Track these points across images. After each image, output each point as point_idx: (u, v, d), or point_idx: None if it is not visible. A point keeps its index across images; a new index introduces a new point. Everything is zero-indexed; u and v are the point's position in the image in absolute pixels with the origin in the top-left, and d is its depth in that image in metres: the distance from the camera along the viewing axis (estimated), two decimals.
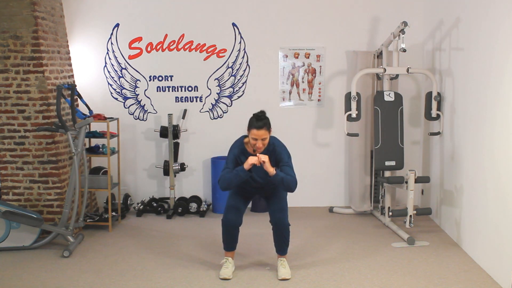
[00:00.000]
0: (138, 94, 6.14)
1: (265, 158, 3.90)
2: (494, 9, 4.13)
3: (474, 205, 4.51)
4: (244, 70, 6.09)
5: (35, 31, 4.88)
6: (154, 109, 6.16)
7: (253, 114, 4.00)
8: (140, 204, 6.02)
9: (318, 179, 6.24)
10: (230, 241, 4.23)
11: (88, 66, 6.09)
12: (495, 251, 4.08)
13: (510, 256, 3.81)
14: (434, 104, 5.34)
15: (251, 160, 3.92)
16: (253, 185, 4.20)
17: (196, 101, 6.15)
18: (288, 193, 4.26)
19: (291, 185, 3.99)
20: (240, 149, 4.10)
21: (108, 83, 6.13)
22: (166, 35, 6.05)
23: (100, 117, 5.37)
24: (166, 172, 5.97)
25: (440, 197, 5.40)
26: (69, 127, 4.78)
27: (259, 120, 3.92)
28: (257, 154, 3.93)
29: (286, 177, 3.95)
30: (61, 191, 5.07)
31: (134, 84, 6.13)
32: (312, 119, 6.17)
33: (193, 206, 5.93)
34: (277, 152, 4.07)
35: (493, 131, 4.13)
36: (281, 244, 4.22)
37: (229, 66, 6.10)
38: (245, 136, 4.14)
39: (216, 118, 6.18)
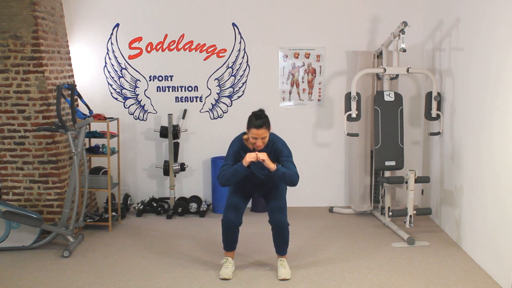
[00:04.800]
0: (138, 94, 6.14)
1: (263, 156, 3.89)
2: (494, 9, 4.13)
3: (474, 205, 4.51)
4: (244, 70, 6.09)
5: (35, 31, 4.88)
6: (154, 109, 6.16)
7: (252, 113, 3.99)
8: (140, 204, 6.02)
9: (318, 179, 6.24)
10: (230, 241, 4.23)
11: (88, 66, 6.09)
12: (495, 251, 4.08)
13: (510, 256, 3.81)
14: (434, 104, 5.34)
15: (249, 157, 3.90)
16: (254, 181, 4.19)
17: (196, 101, 6.15)
18: (288, 193, 4.27)
19: (293, 179, 3.97)
20: (240, 145, 4.10)
21: (108, 83, 6.13)
22: (166, 35, 6.05)
23: (100, 117, 5.37)
24: (166, 172, 5.97)
25: (440, 197, 5.40)
26: (69, 127, 4.77)
27: (259, 119, 3.92)
28: (256, 152, 3.93)
29: (287, 172, 3.95)
30: (61, 191, 5.07)
31: (134, 84, 6.13)
32: (312, 119, 6.17)
33: (193, 206, 5.93)
34: (277, 148, 4.07)
35: (492, 130, 4.13)
36: (281, 244, 4.22)
37: (229, 66, 6.10)
38: (245, 133, 4.13)
39: (216, 118, 6.18)
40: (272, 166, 3.91)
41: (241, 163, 3.94)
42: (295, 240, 4.91)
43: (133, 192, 6.27)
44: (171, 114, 5.91)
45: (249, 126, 3.95)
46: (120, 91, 6.15)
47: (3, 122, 4.98)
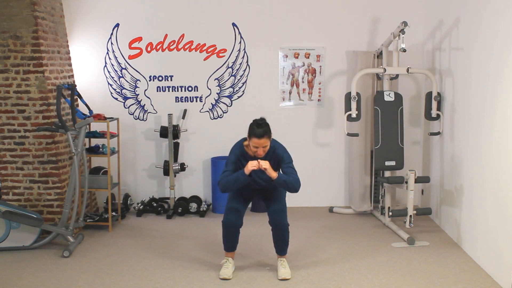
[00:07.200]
0: (138, 94, 6.14)
1: (266, 164, 3.88)
2: (494, 9, 4.13)
3: (474, 205, 4.51)
4: (244, 70, 6.09)
5: (35, 31, 4.88)
6: (154, 109, 6.16)
7: (254, 121, 3.98)
8: (140, 204, 6.02)
9: (318, 179, 6.24)
10: (230, 242, 4.22)
11: (88, 66, 6.09)
12: (495, 251, 4.08)
13: (510, 256, 3.81)
14: (434, 104, 5.34)
15: (251, 165, 3.89)
16: (254, 187, 4.19)
17: (196, 101, 6.15)
18: (288, 193, 4.27)
19: (295, 186, 3.99)
20: (240, 151, 4.09)
21: (108, 83, 6.13)
22: (166, 35, 6.05)
23: (100, 117, 5.37)
24: (166, 172, 5.97)
25: (440, 197, 5.40)
26: (69, 127, 4.78)
27: (260, 128, 3.90)
28: (258, 160, 3.91)
29: (288, 179, 3.96)
30: (61, 191, 5.07)
31: (134, 84, 6.13)
32: (312, 119, 6.17)
33: (193, 206, 5.93)
34: (278, 154, 4.07)
35: (492, 130, 4.13)
36: (281, 244, 4.22)
37: (229, 66, 6.10)
38: (245, 139, 4.12)
39: (216, 118, 6.18)
40: (274, 174, 3.91)
41: (243, 171, 3.93)
42: (295, 240, 4.91)
43: (133, 192, 6.27)
44: (171, 114, 5.91)
45: (250, 135, 3.94)
46: (120, 91, 6.15)
47: (3, 122, 4.98)
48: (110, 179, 5.35)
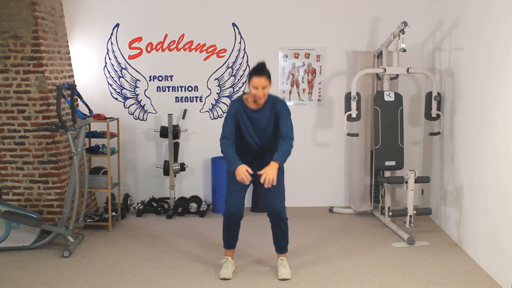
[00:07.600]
0: (138, 94, 6.14)
1: (273, 179, 3.80)
2: (494, 9, 4.13)
3: (474, 205, 4.51)
4: (244, 70, 6.09)
5: (35, 31, 4.88)
6: (154, 109, 6.16)
7: (253, 66, 4.01)
8: (140, 204, 6.02)
9: (318, 179, 6.24)
10: (230, 237, 4.20)
11: (88, 66, 6.09)
12: (495, 251, 4.08)
13: (510, 256, 3.81)
14: (434, 104, 5.34)
15: (239, 175, 3.83)
16: (250, 152, 4.15)
17: (196, 101, 6.15)
18: (288, 193, 4.25)
19: (290, 150, 4.04)
20: (240, 104, 4.10)
21: (108, 83, 6.13)
22: (166, 35, 6.05)
23: (100, 117, 5.37)
24: (166, 172, 5.97)
25: (440, 197, 5.40)
26: (69, 127, 4.78)
27: (259, 69, 3.93)
28: (262, 177, 3.84)
29: (284, 153, 3.98)
30: (61, 191, 5.07)
31: (134, 84, 6.13)
32: (312, 119, 6.17)
33: (193, 206, 5.93)
34: (277, 106, 4.09)
35: (493, 131, 4.13)
36: (281, 240, 4.20)
37: (229, 66, 6.10)
38: (245, 93, 4.15)
39: (216, 118, 6.18)
40: (276, 170, 3.85)
41: (237, 163, 3.88)
42: (295, 240, 4.91)
43: (133, 192, 6.27)
44: (171, 114, 5.91)
45: (250, 76, 3.95)
46: (120, 91, 6.15)
47: (3, 122, 4.98)
48: (110, 179, 5.35)
